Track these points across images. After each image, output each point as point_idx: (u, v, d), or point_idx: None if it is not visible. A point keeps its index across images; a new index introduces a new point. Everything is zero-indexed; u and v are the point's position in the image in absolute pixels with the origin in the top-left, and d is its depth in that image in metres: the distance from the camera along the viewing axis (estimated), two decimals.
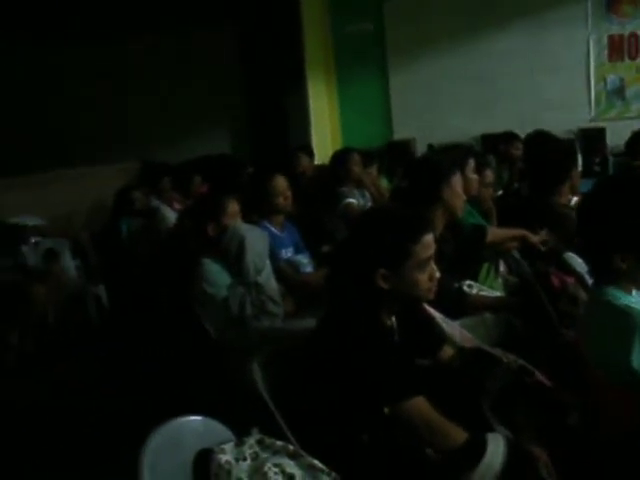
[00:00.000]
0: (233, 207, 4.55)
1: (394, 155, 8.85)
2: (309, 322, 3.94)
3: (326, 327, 2.74)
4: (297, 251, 5.08)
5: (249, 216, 4.78)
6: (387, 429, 2.58)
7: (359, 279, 2.68)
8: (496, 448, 2.46)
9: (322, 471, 2.48)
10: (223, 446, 2.48)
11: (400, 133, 10.34)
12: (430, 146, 9.65)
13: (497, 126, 9.18)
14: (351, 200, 6.34)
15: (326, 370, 2.60)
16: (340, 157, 6.77)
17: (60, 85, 10.40)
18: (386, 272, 2.63)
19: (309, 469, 2.48)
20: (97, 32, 9.99)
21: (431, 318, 3.16)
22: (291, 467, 2.47)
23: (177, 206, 7.30)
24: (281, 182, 5.01)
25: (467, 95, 10.21)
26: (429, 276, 2.70)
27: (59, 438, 4.63)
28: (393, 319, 2.79)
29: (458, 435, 2.51)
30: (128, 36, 9.91)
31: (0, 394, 5.43)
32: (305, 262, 5.02)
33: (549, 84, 9.95)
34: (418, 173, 4.36)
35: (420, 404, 2.52)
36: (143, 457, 2.28)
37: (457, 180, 4.18)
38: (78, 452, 4.42)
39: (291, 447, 2.55)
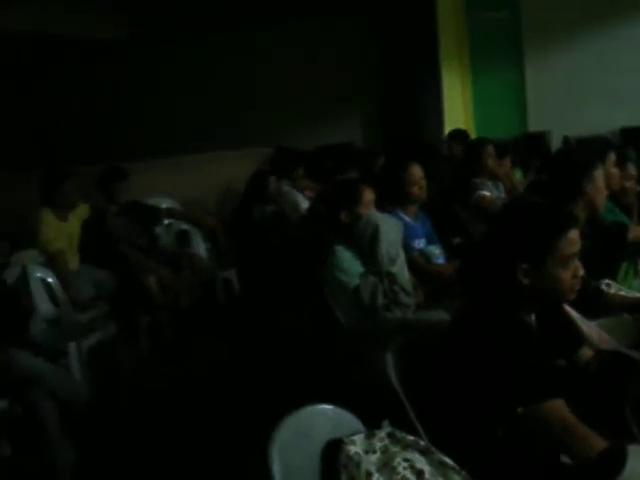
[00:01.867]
0: (368, 195, 4.53)
1: (529, 147, 8.65)
2: (441, 314, 3.91)
3: (463, 321, 2.68)
4: (429, 242, 5.02)
5: (383, 205, 4.74)
6: (521, 429, 2.50)
7: (499, 273, 2.60)
8: (637, 463, 2.34)
9: (452, 469, 2.42)
10: (353, 437, 2.46)
11: (535, 125, 10.07)
12: (566, 138, 9.39)
13: (637, 119, 8.85)
14: (484, 192, 6.23)
15: (462, 365, 2.54)
16: (474, 148, 6.68)
17: (193, 71, 10.59)
18: (528, 267, 2.55)
19: (439, 466, 2.43)
20: (228, 18, 10.12)
21: (570, 317, 3.06)
22: (421, 463, 2.43)
23: (309, 193, 7.33)
24: (416, 171, 4.95)
25: (606, 86, 9.84)
26: (572, 274, 2.60)
27: (188, 421, 4.72)
28: (533, 317, 2.70)
29: (596, 442, 2.39)
30: (260, 22, 9.99)
31: (134, 377, 5.62)
32: (437, 253, 4.96)
33: None
34: (559, 166, 4.25)
35: (558, 406, 2.43)
36: (273, 444, 2.27)
37: (599, 174, 4.05)
38: (210, 433, 4.49)
39: (422, 442, 2.50)
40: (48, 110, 11.33)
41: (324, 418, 2.49)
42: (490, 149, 6.59)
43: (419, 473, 2.39)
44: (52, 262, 6.14)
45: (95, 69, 11.09)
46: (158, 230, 7.11)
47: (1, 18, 8.83)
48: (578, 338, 2.99)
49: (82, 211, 6.58)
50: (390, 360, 2.81)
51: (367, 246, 4.24)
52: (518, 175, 7.70)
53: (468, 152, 6.73)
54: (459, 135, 8.42)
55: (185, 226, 7.35)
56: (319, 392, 2.99)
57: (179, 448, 4.39)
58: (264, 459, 2.24)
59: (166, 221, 7.30)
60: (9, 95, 11.46)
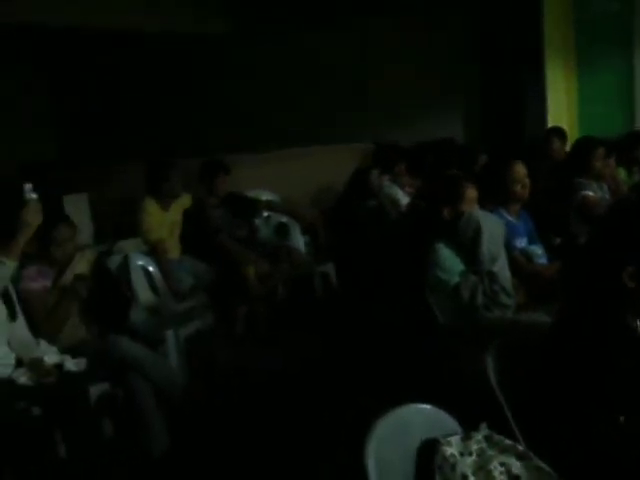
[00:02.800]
0: (471, 193, 4.49)
1: (635, 146, 8.40)
2: (541, 316, 3.84)
3: (564, 323, 2.61)
4: (531, 241, 4.94)
5: (484, 203, 4.68)
6: (623, 438, 2.42)
7: (604, 276, 2.53)
8: None
9: (550, 475, 2.36)
10: (449, 438, 2.42)
11: None
12: None
13: None
14: (588, 192, 6.08)
15: (563, 369, 2.48)
16: (583, 148, 6.49)
17: (295, 67, 10.62)
18: (634, 270, 2.46)
19: (535, 472, 2.38)
20: (334, 13, 10.11)
21: None
22: (517, 468, 2.38)
23: (409, 189, 7.29)
24: (520, 169, 4.88)
25: None
26: None
27: (281, 412, 4.74)
28: (639, 322, 2.62)
29: None
30: (363, 20, 9.94)
31: (229, 361, 5.69)
32: (539, 253, 4.87)
33: None
34: None
35: None
36: (370, 439, 2.26)
37: None
38: (303, 425, 4.51)
39: (520, 447, 2.45)
40: (151, 103, 11.59)
41: (422, 417, 2.47)
42: (600, 152, 6.40)
43: (515, 478, 2.35)
44: (153, 251, 6.26)
45: (198, 63, 11.26)
46: (257, 222, 7.16)
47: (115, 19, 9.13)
48: None
49: (184, 201, 6.70)
50: (490, 361, 2.77)
51: (468, 244, 4.20)
52: (622, 175, 7.50)
53: (576, 152, 6.56)
54: (557, 133, 8.25)
55: (284, 219, 7.39)
56: (414, 389, 2.96)
57: (272, 439, 4.41)
58: (359, 453, 2.23)
59: (265, 214, 7.35)
60: (119, 89, 11.82)
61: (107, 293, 4.75)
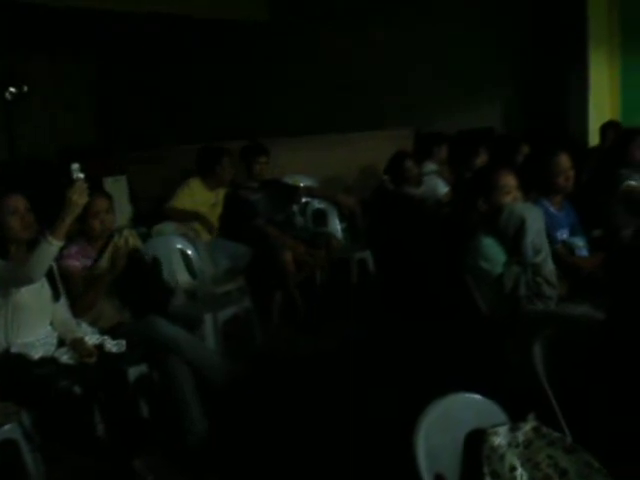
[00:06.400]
0: (507, 181, 4.34)
1: None
2: (584, 309, 3.81)
3: (616, 319, 2.59)
4: (573, 233, 4.87)
5: (527, 193, 4.61)
6: None
7: None
8: None
9: (599, 471, 2.34)
10: (497, 429, 2.42)
11: None
12: None
13: None
14: (632, 182, 6.00)
15: (615, 365, 2.46)
16: (624, 138, 6.41)
17: (335, 53, 10.62)
18: None
19: (585, 467, 2.35)
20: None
21: None
22: (565, 462, 2.36)
23: (448, 177, 7.23)
24: (565, 160, 4.81)
25: None
26: None
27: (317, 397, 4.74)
28: None
29: None
30: (402, 4, 9.90)
31: (265, 346, 5.70)
32: (580, 245, 4.80)
33: None
34: None
35: None
36: (418, 428, 2.26)
37: None
38: (339, 411, 4.49)
39: (568, 440, 2.43)
40: (191, 89, 11.68)
41: (470, 406, 2.47)
42: None
43: (563, 472, 2.33)
44: (166, 217, 6.51)
45: (239, 49, 11.30)
46: (295, 208, 7.17)
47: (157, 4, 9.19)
48: None
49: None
50: (537, 352, 2.75)
51: (512, 238, 4.12)
52: None
53: (619, 142, 6.47)
54: (614, 127, 8.12)
55: (322, 205, 7.38)
56: (456, 378, 2.95)
57: (308, 424, 4.41)
58: (406, 442, 2.23)
59: (303, 199, 7.34)
60: (161, 74, 11.93)
61: (149, 281, 4.78)
